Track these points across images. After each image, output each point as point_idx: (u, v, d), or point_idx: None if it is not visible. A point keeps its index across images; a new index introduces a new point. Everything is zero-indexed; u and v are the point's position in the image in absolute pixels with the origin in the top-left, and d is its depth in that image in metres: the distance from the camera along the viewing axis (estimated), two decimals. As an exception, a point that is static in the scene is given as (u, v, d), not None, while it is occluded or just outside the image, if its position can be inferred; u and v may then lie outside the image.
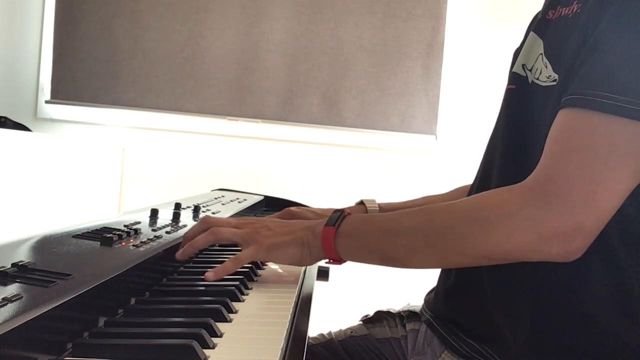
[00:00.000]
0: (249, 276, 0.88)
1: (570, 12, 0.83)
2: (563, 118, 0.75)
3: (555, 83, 0.81)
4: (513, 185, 0.77)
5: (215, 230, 0.88)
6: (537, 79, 0.85)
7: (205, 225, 0.90)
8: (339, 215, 0.87)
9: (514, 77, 0.91)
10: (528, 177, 0.76)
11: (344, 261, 0.86)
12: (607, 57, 0.72)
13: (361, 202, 1.23)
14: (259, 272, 0.95)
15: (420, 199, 1.25)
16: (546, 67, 0.84)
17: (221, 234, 0.88)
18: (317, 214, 1.19)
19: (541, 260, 0.75)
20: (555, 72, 0.81)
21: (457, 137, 2.76)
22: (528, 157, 0.82)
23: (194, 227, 0.91)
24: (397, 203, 1.24)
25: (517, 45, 1.01)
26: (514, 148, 0.88)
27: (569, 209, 0.71)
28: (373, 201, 1.23)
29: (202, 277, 0.83)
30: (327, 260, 0.87)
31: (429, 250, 0.79)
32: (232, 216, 1.26)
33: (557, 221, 0.71)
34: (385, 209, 1.21)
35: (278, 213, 1.18)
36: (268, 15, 2.74)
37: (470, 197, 0.83)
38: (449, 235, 0.78)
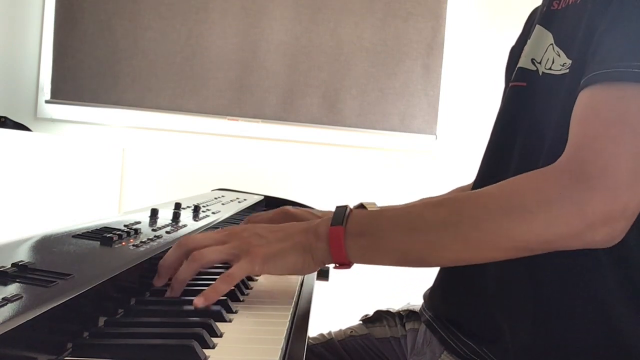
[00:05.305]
0: (249, 277, 0.88)
1: None
2: (589, 95, 0.70)
3: (568, 70, 0.79)
4: (545, 168, 0.70)
5: (196, 256, 0.74)
6: (550, 69, 0.82)
7: (183, 248, 0.75)
8: (344, 212, 0.77)
9: (521, 73, 0.88)
10: (560, 159, 0.70)
11: (352, 264, 0.76)
12: (629, 30, 0.70)
13: (361, 205, 1.14)
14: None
15: (418, 201, 1.17)
16: (559, 55, 0.81)
17: (204, 257, 0.74)
18: (317, 215, 1.09)
19: (583, 248, 0.69)
20: (569, 59, 0.79)
21: (457, 137, 2.76)
22: (552, 151, 0.77)
23: (169, 252, 0.77)
24: (398, 206, 1.19)
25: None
26: (534, 146, 0.83)
27: (612, 190, 0.65)
28: (373, 204, 1.11)
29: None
30: (334, 265, 0.76)
31: (458, 246, 0.71)
32: (231, 216, 1.26)
33: (603, 204, 0.65)
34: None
35: (273, 211, 1.09)
36: (268, 15, 2.74)
37: (498, 184, 0.73)
38: (483, 227, 0.69)
